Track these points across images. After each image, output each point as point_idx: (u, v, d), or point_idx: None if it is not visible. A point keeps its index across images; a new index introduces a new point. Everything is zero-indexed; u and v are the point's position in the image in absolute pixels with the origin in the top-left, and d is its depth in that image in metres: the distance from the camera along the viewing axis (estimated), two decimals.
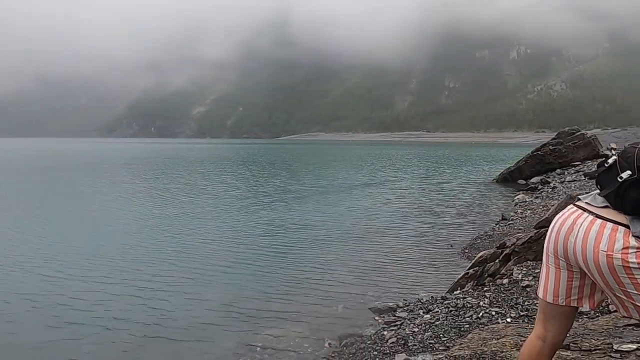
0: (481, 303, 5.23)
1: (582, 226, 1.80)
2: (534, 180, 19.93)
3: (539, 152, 22.11)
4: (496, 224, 11.77)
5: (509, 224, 11.28)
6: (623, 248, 1.69)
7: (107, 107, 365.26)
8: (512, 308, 4.87)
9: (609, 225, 1.74)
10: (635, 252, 1.69)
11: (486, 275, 6.35)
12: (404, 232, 11.60)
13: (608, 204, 1.79)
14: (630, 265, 1.69)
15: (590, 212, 1.81)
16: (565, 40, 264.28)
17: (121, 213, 14.65)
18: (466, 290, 6.08)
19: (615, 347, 2.89)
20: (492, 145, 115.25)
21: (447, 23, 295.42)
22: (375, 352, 4.56)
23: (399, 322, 5.39)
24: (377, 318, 5.88)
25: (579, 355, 2.95)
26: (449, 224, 12.66)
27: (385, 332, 5.10)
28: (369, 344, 4.85)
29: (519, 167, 22.54)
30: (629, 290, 1.72)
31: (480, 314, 4.90)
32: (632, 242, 1.69)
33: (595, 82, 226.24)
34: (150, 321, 6.11)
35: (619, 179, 1.74)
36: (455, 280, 6.86)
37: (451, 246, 9.97)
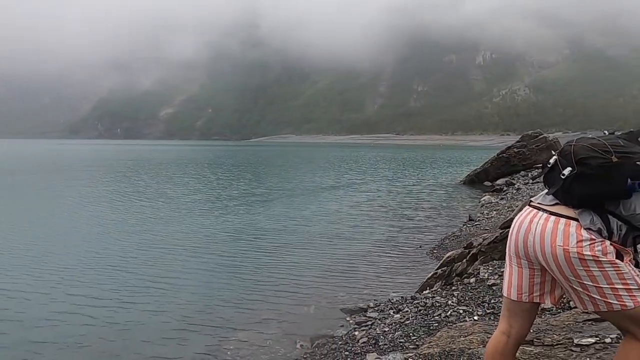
0: (449, 302, 5.35)
1: (538, 224, 1.89)
2: (499, 181, 20.46)
3: (504, 155, 22.72)
4: (463, 225, 12.01)
5: (475, 225, 11.54)
6: (577, 241, 1.78)
7: (71, 107, 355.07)
8: (479, 306, 5.00)
9: (562, 220, 1.84)
10: (589, 244, 1.78)
11: (454, 274, 6.49)
12: (373, 234, 11.69)
13: (558, 201, 1.89)
14: (585, 257, 1.77)
15: (544, 210, 1.90)
16: (528, 46, 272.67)
17: (76, 220, 13.77)
18: (435, 290, 6.20)
19: (575, 341, 3.02)
20: (460, 147, 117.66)
21: (414, 27, 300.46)
22: (347, 352, 4.60)
23: (369, 322, 5.45)
24: (348, 319, 5.93)
25: (542, 350, 3.07)
26: (418, 225, 12.85)
27: (356, 332, 5.15)
28: (341, 344, 4.89)
29: (485, 169, 23.11)
30: (585, 282, 1.81)
31: (449, 312, 5.01)
32: (585, 234, 1.79)
33: (557, 87, 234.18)
34: (117, 328, 5.97)
35: (561, 176, 1.84)
36: (425, 280, 6.99)
37: (420, 247, 10.12)
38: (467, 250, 7.06)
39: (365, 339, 4.79)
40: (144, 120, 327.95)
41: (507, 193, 16.67)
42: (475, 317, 4.64)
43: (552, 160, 1.94)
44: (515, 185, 17.98)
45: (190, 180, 27.03)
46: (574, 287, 1.85)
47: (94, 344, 5.51)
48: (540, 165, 21.60)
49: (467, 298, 5.38)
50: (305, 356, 4.92)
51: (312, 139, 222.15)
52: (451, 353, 3.48)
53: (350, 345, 4.79)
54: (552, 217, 1.86)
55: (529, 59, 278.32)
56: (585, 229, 1.79)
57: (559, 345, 3.08)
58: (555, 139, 23.91)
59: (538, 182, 17.25)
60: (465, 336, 3.77)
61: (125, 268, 8.58)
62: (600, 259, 1.77)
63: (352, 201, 17.75)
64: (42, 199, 18.95)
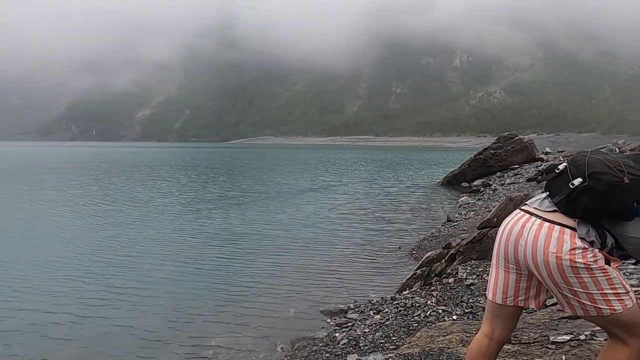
0: (429, 302, 5.40)
1: (532, 230, 1.88)
2: (476, 182, 20.76)
3: (481, 156, 23.08)
4: (442, 226, 12.15)
5: (454, 225, 11.68)
6: (571, 249, 1.79)
7: (42, 108, 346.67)
8: (457, 306, 5.06)
9: (557, 228, 1.83)
10: (581, 252, 1.78)
11: (433, 275, 6.56)
12: (352, 235, 11.72)
13: (556, 208, 1.88)
14: (577, 265, 1.78)
15: (537, 216, 1.90)
16: (503, 50, 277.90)
17: (35, 226, 13.10)
18: (414, 290, 6.25)
19: (551, 339, 3.08)
20: (437, 149, 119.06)
21: (391, 30, 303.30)
22: (328, 354, 4.60)
23: (350, 324, 5.47)
24: (328, 320, 5.93)
25: (519, 348, 3.12)
26: (397, 226, 12.94)
27: (337, 334, 5.15)
28: (321, 346, 4.88)
29: (462, 170, 23.43)
30: (576, 289, 1.81)
31: (428, 312, 5.05)
32: (579, 243, 1.79)
33: (531, 90, 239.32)
34: (94, 333, 5.85)
35: (570, 186, 1.82)
36: (404, 280, 7.04)
37: (399, 248, 10.20)
38: (445, 251, 7.15)
39: (345, 340, 4.80)
40: (120, 122, 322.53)
41: (484, 194, 16.93)
42: (454, 317, 4.69)
43: (561, 167, 1.90)
44: (492, 186, 18.28)
45: (163, 183, 26.30)
46: (564, 293, 1.86)
47: (68, 351, 5.38)
48: (517, 166, 22.11)
49: (446, 298, 5.44)
50: (285, 359, 4.90)
51: (292, 141, 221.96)
52: (431, 353, 3.51)
53: (331, 346, 4.79)
54: (547, 224, 1.85)
55: (504, 62, 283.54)
56: (579, 237, 1.80)
57: (535, 343, 3.14)
58: (530, 141, 24.42)
59: (514, 183, 17.58)
60: (445, 336, 3.81)
61: (97, 276, 8.21)
62: (592, 266, 1.78)
63: (330, 203, 17.70)
64: (4, 204, 17.90)
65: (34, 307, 6.72)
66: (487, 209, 12.78)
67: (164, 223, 13.51)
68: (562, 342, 3.03)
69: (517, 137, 23.66)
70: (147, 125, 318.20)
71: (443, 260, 6.79)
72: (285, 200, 18.92)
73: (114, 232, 12.13)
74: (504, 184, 18.22)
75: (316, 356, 4.65)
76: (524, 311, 3.95)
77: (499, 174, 21.50)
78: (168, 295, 7.24)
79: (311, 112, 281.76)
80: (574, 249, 1.79)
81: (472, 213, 13.09)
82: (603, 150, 1.95)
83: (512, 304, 2.02)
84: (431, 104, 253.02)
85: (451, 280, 6.05)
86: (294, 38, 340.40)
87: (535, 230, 1.86)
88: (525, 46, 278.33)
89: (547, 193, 1.95)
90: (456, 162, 31.96)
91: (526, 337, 3.24)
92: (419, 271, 6.86)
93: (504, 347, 3.16)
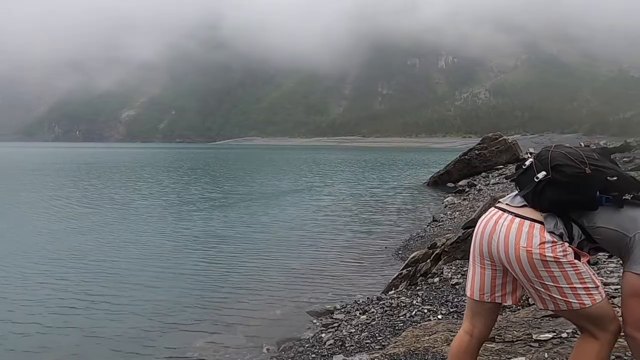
0: (414, 302, 5.43)
1: (503, 226, 1.93)
2: (461, 183, 20.95)
3: (466, 157, 23.30)
4: (427, 225, 12.22)
5: (439, 225, 11.77)
6: (540, 243, 1.84)
7: (25, 108, 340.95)
8: (442, 305, 5.09)
9: (527, 222, 1.89)
10: (551, 246, 1.83)
11: (419, 274, 6.60)
12: (338, 236, 11.71)
13: (526, 203, 1.94)
14: (547, 258, 1.83)
15: (509, 212, 1.95)
16: (487, 51, 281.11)
17: (14, 228, 12.76)
18: (400, 290, 6.28)
19: (534, 337, 3.12)
20: (423, 149, 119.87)
21: (376, 32, 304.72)
22: (314, 355, 4.60)
23: (336, 324, 5.47)
24: (314, 321, 5.92)
25: (503, 347, 3.15)
26: (383, 226, 12.99)
27: (323, 335, 5.15)
28: (307, 347, 4.88)
29: (447, 170, 23.62)
30: (546, 283, 1.86)
31: (414, 312, 5.08)
32: (547, 237, 1.84)
33: (515, 91, 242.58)
34: (77, 335, 5.75)
35: (535, 179, 1.89)
36: (390, 280, 7.07)
37: (385, 248, 10.23)
38: (431, 251, 7.20)
39: (332, 341, 4.80)
40: (104, 122, 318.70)
41: (469, 194, 17.09)
42: (439, 316, 4.73)
43: (527, 163, 1.98)
44: (477, 187, 18.45)
45: (144, 185, 25.62)
46: (536, 287, 1.90)
47: (51, 351, 5.29)
48: (501, 166, 22.35)
49: (431, 297, 5.47)
50: None
51: (278, 142, 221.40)
52: (416, 352, 3.53)
53: (317, 347, 4.79)
54: (517, 219, 1.91)
55: (488, 64, 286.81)
56: (548, 232, 1.85)
57: (518, 341, 3.17)
58: (514, 141, 24.73)
59: (498, 183, 17.78)
60: (430, 335, 3.84)
61: (72, 282, 7.93)
62: (561, 260, 1.83)
63: (316, 205, 17.63)
64: None
65: (1, 316, 6.37)
66: (472, 209, 12.91)
67: (143, 226, 13.21)
68: (544, 340, 3.07)
69: (501, 138, 23.93)
70: (131, 126, 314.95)
71: (429, 260, 6.84)
72: (269, 201, 18.74)
73: (90, 235, 11.78)
74: (488, 184, 18.42)
75: (302, 357, 4.65)
76: (507, 310, 4.00)
77: (483, 174, 21.72)
78: (150, 300, 7.11)
79: (297, 113, 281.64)
80: (543, 242, 1.84)
81: (457, 213, 13.20)
82: (567, 144, 2.01)
83: (489, 300, 2.07)
84: (417, 104, 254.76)
85: (436, 279, 6.09)
86: (280, 39, 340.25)
87: (506, 226, 1.92)
88: (509, 48, 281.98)
89: (517, 189, 2.02)
90: (442, 163, 32.19)
91: (510, 336, 3.27)
92: (404, 271, 6.89)
93: (488, 345, 3.20)
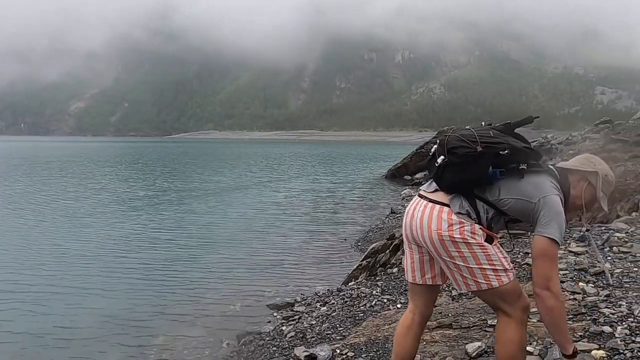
0: (374, 292, 5.50)
1: (419, 210, 2.07)
2: (418, 175, 21.39)
3: (422, 150, 23.74)
4: (386, 217, 12.44)
5: (397, 217, 11.99)
6: (449, 225, 1.97)
7: None
8: (401, 294, 5.19)
9: (437, 207, 2.02)
10: (458, 227, 1.96)
11: (378, 265, 6.69)
12: (298, 229, 11.72)
13: (437, 188, 2.08)
14: (456, 239, 1.96)
15: (424, 198, 2.10)
16: (441, 47, 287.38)
17: None
18: (360, 281, 6.35)
19: (489, 322, 3.22)
20: (381, 143, 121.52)
21: (332, 26, 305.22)
22: (275, 348, 4.58)
23: (297, 316, 5.47)
24: (275, 314, 5.91)
25: (460, 332, 3.24)
26: (343, 219, 13.11)
27: (284, 327, 5.14)
28: (268, 340, 4.85)
29: (404, 163, 24.06)
30: (457, 263, 1.99)
31: (374, 302, 5.15)
32: (455, 219, 1.97)
33: (468, 86, 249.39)
34: (26, 339, 5.48)
35: (435, 164, 2.03)
36: (350, 272, 7.13)
37: (345, 240, 10.33)
38: (389, 242, 7.31)
39: (293, 333, 4.79)
40: (51, 115, 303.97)
41: None
42: (399, 305, 4.81)
43: (432, 149, 2.10)
44: None
45: (84, 181, 23.68)
46: (450, 267, 2.03)
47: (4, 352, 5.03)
48: None
49: (390, 287, 5.56)
50: (232, 355, 4.83)
51: (235, 135, 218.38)
52: (376, 341, 3.58)
53: (278, 340, 4.77)
54: (430, 204, 2.04)
55: (442, 59, 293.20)
56: (455, 213, 1.98)
57: (474, 327, 3.27)
58: None
59: None
60: (390, 324, 3.90)
61: (20, 283, 7.60)
62: (470, 241, 1.95)
63: (274, 198, 17.52)
64: None
65: None
66: None
67: (92, 221, 12.73)
68: None
69: None
70: (81, 119, 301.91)
71: (387, 251, 6.94)
72: (224, 196, 18.36)
73: (33, 234, 11.24)
74: None
75: (263, 350, 4.62)
76: (464, 297, 4.11)
77: None
78: (106, 296, 6.89)
79: (255, 106, 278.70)
80: (451, 225, 1.97)
81: None
82: (467, 127, 2.11)
83: (421, 282, 2.20)
84: (374, 99, 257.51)
85: (395, 270, 6.19)
86: (236, 32, 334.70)
87: (421, 211, 2.06)
88: (463, 44, 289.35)
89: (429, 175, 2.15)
90: (399, 156, 32.68)
91: (466, 322, 3.37)
92: (364, 262, 6.97)
93: (446, 332, 3.28)
